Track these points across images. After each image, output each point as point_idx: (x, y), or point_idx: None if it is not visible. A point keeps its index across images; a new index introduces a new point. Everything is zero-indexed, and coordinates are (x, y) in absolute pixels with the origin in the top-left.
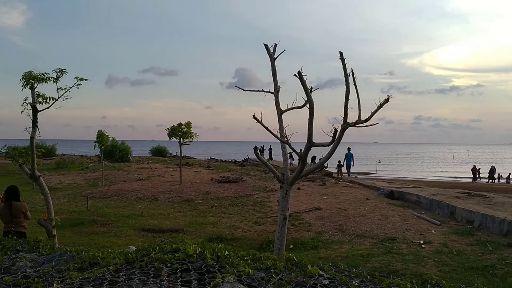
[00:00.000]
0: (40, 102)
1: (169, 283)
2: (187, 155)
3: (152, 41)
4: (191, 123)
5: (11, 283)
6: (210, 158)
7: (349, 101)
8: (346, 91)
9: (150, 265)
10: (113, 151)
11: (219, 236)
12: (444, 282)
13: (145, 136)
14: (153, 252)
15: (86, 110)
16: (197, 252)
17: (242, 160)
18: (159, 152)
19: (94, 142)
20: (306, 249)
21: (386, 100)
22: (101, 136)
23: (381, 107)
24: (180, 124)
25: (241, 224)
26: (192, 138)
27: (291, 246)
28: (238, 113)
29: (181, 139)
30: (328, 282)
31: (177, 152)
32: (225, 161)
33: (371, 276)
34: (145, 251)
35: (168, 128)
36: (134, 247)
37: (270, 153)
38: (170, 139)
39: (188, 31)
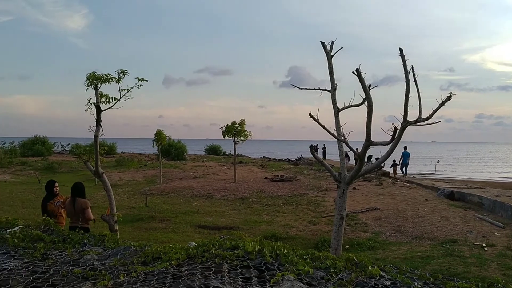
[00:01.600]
0: (103, 102)
1: (230, 279)
2: (240, 153)
3: (207, 42)
4: (245, 122)
5: (80, 275)
6: (264, 156)
7: (409, 98)
8: (406, 89)
9: (211, 261)
10: (169, 150)
11: (273, 235)
12: (511, 286)
13: (199, 135)
14: (213, 248)
15: (144, 110)
16: (256, 249)
17: (296, 159)
18: (213, 150)
19: (152, 140)
20: (363, 250)
21: (449, 98)
22: (159, 135)
23: (443, 104)
24: (234, 123)
25: (295, 223)
26: (246, 137)
27: (347, 246)
28: (291, 112)
29: (235, 138)
30: (389, 283)
31: (231, 151)
32: (278, 159)
33: (434, 278)
34: (205, 247)
35: (222, 127)
36: (194, 243)
37: (324, 152)
38: (224, 137)
39: (242, 30)
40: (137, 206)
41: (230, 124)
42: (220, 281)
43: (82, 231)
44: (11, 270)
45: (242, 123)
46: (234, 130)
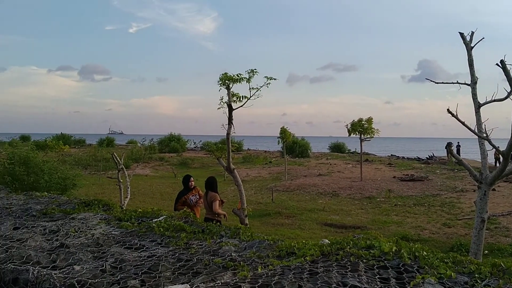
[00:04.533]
0: (234, 101)
1: (367, 279)
2: (366, 151)
3: (331, 38)
4: (372, 119)
5: (221, 264)
6: (391, 154)
7: None
8: None
9: (346, 259)
10: (293, 147)
11: (404, 236)
12: None
13: (322, 132)
14: (348, 247)
15: (269, 108)
16: (393, 250)
17: (427, 157)
18: (337, 148)
19: (278, 138)
20: (504, 256)
21: None
22: (283, 132)
23: None
24: (360, 120)
25: (428, 225)
26: (373, 134)
27: (486, 251)
28: (421, 108)
29: (362, 135)
30: None
31: (356, 148)
32: (407, 158)
33: None
34: (339, 245)
35: (348, 124)
36: (327, 240)
37: (457, 151)
38: (350, 135)
39: (368, 24)
40: (264, 201)
41: (356, 121)
42: (358, 280)
43: (218, 223)
44: (159, 256)
45: (369, 120)
46: (361, 128)
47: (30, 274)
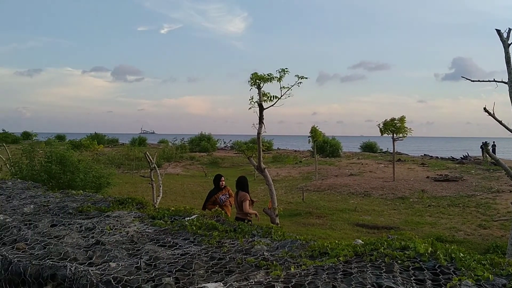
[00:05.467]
0: (265, 101)
1: (402, 280)
2: (398, 151)
3: (363, 36)
4: (405, 118)
5: (253, 263)
6: (424, 154)
7: None
8: None
9: (380, 260)
10: (324, 146)
11: (438, 237)
12: None
13: (353, 132)
14: (382, 248)
15: (299, 107)
16: (429, 251)
17: (461, 157)
18: (369, 147)
19: (308, 137)
20: None
21: None
22: (314, 131)
23: None
24: (393, 119)
25: (462, 226)
26: (406, 134)
27: None
28: (455, 107)
29: (394, 135)
30: None
31: (388, 148)
32: (441, 158)
33: None
34: (373, 245)
35: (380, 124)
36: (360, 241)
37: (493, 150)
38: (382, 134)
39: (401, 22)
40: (294, 201)
41: (388, 120)
42: (393, 281)
43: (250, 222)
44: (192, 254)
45: (402, 119)
46: (393, 127)
47: (68, 270)
